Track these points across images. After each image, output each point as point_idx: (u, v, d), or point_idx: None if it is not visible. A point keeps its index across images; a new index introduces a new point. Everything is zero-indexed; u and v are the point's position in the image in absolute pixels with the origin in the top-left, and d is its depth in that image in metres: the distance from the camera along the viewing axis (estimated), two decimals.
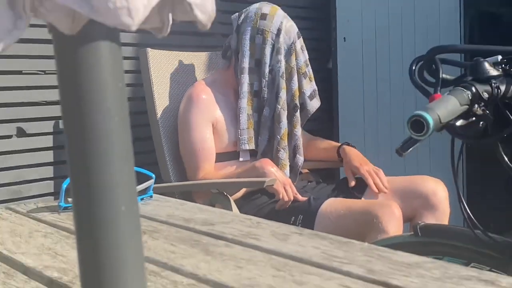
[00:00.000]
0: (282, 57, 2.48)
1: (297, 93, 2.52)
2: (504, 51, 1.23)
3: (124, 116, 0.50)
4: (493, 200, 4.44)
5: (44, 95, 2.54)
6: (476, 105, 1.13)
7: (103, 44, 0.48)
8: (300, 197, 2.29)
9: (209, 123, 2.44)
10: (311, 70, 2.59)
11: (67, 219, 1.18)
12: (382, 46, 3.73)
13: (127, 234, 0.50)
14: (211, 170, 2.43)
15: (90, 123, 0.48)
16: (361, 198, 2.37)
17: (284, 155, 2.46)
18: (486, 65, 1.18)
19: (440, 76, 1.23)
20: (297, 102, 2.51)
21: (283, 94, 2.47)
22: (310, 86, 2.57)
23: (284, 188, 2.26)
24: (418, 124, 1.03)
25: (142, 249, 0.51)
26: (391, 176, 2.50)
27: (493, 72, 1.17)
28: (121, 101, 0.50)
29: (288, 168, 2.47)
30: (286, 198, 2.24)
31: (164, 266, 0.86)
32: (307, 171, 2.72)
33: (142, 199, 1.31)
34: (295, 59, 2.51)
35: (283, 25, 2.49)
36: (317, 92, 2.59)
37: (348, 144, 2.56)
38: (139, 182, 1.29)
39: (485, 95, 1.14)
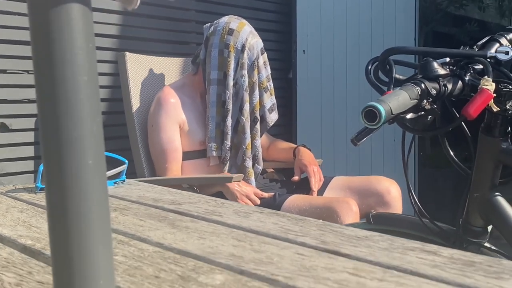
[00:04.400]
0: (245, 72, 2.47)
1: (257, 106, 2.51)
2: (451, 53, 1.25)
3: (93, 75, 0.50)
4: (441, 201, 4.50)
5: (27, 93, 2.50)
6: (425, 100, 1.14)
7: (74, 6, 0.47)
8: (266, 195, 2.31)
9: (176, 125, 2.43)
10: (272, 85, 2.59)
11: (43, 198, 1.16)
12: (339, 59, 3.77)
13: (93, 186, 0.50)
14: (178, 171, 2.42)
15: (60, 80, 0.48)
16: (322, 195, 2.39)
17: (250, 163, 2.47)
18: (435, 64, 1.19)
19: (393, 76, 1.25)
20: (257, 114, 2.51)
21: (247, 107, 2.47)
22: (270, 100, 2.57)
23: (250, 197, 2.28)
24: (371, 114, 1.04)
25: (107, 202, 0.51)
26: (348, 176, 2.54)
27: (441, 71, 1.19)
28: (90, 61, 0.49)
29: (253, 175, 2.48)
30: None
31: (132, 237, 0.85)
32: (272, 170, 2.73)
33: (115, 182, 1.30)
34: (257, 74, 2.51)
35: (248, 42, 2.47)
36: (276, 105, 2.60)
37: (304, 146, 2.61)
38: (114, 167, 1.28)
39: (433, 92, 1.15)
